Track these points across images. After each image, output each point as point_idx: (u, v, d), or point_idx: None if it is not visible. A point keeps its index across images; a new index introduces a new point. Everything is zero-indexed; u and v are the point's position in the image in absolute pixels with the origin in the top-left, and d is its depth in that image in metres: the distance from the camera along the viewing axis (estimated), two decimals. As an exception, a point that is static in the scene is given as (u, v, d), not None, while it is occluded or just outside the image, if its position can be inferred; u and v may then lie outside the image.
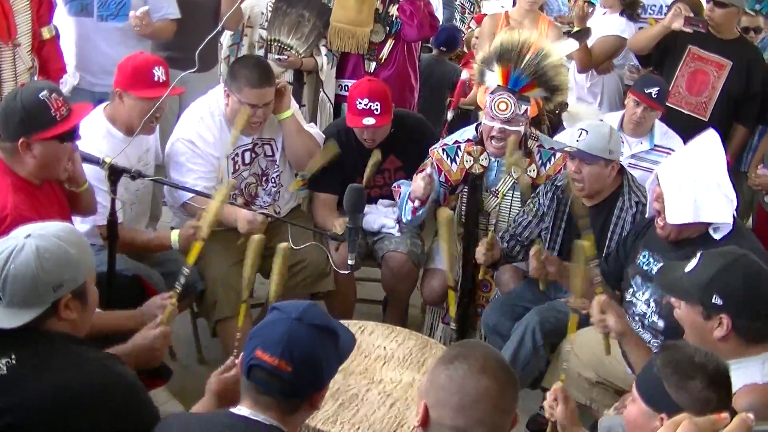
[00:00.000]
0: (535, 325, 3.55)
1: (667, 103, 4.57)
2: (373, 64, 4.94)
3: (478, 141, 4.00)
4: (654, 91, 4.31)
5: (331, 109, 5.03)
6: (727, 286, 2.46)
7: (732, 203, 3.13)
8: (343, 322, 3.28)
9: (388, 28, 4.92)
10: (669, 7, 4.99)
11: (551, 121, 5.02)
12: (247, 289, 2.77)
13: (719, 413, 1.22)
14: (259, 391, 1.98)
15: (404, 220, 4.02)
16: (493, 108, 3.81)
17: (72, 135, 3.00)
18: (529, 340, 3.55)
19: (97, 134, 3.52)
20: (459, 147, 4.04)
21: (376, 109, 4.03)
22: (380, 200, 4.31)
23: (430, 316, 4.34)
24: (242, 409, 2.00)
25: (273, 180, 4.14)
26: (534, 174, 3.98)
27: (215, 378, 2.47)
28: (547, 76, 3.84)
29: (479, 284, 4.09)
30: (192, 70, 3.49)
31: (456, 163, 4.02)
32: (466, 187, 4.03)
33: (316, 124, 4.72)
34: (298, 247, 3.84)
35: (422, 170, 3.91)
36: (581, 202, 3.56)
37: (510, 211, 4.01)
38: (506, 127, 3.82)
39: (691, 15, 4.75)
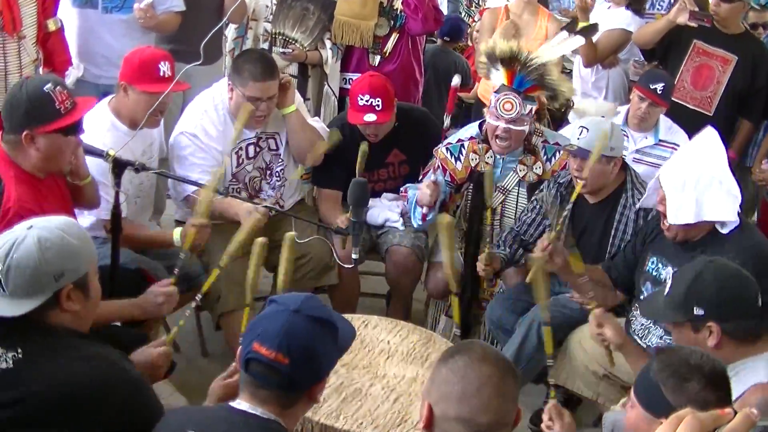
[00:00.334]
0: (540, 319, 3.55)
1: (672, 98, 4.56)
2: (378, 58, 4.93)
3: (483, 139, 4.00)
4: (659, 87, 4.30)
5: (336, 103, 5.02)
6: (702, 296, 2.49)
7: (736, 199, 3.12)
8: (347, 316, 3.29)
9: (392, 22, 4.90)
10: (674, 2, 4.98)
11: (554, 116, 5.02)
12: (252, 291, 2.76)
13: (722, 409, 1.21)
14: (257, 385, 1.97)
15: (415, 226, 4.03)
16: (498, 108, 3.81)
17: (76, 128, 2.99)
18: (534, 334, 3.55)
19: (101, 127, 3.52)
20: (463, 145, 4.04)
21: (378, 106, 4.03)
22: (384, 194, 4.30)
23: (434, 310, 4.35)
24: (241, 403, 2.00)
25: (277, 174, 4.13)
26: (540, 171, 3.98)
27: (218, 383, 2.45)
28: (552, 85, 3.89)
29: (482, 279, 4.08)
30: (196, 63, 3.50)
31: (461, 161, 4.02)
32: (471, 185, 4.02)
33: (320, 117, 4.73)
34: (302, 241, 3.83)
35: (428, 171, 3.91)
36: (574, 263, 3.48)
37: (516, 207, 4.02)
38: (511, 126, 3.83)
39: (696, 9, 4.74)
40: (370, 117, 4.04)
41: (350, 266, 3.84)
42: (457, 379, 1.80)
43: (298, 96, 4.16)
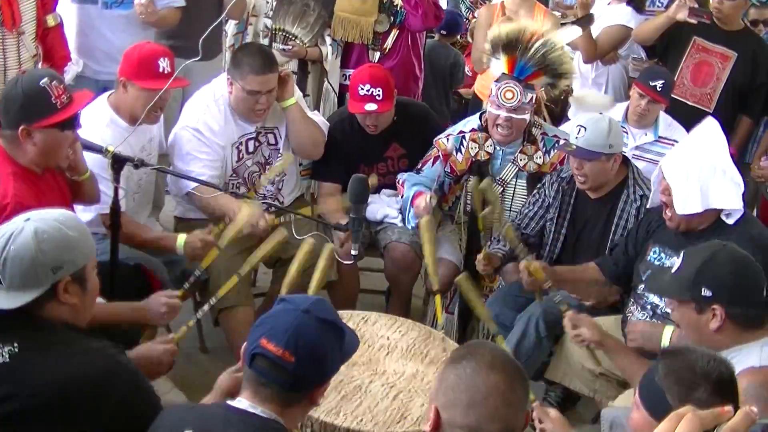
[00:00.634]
0: (539, 315, 3.55)
1: (671, 95, 4.55)
2: (378, 54, 4.92)
3: (482, 128, 4.02)
4: (659, 84, 4.30)
5: (335, 99, 5.02)
6: (714, 278, 2.49)
7: (739, 187, 3.13)
8: (347, 312, 3.30)
9: (392, 18, 4.89)
10: (673, -2, 4.98)
11: (554, 113, 5.02)
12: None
13: (722, 406, 1.21)
14: (260, 382, 1.97)
15: (408, 227, 4.02)
16: (499, 96, 3.83)
17: (73, 123, 2.99)
18: (532, 331, 3.55)
19: (100, 122, 3.52)
20: (464, 136, 4.05)
21: (378, 95, 4.03)
22: (383, 190, 4.30)
23: (433, 306, 4.33)
24: (241, 401, 1.99)
25: (276, 168, 4.13)
26: (540, 161, 4.00)
27: (228, 375, 2.42)
28: (554, 65, 3.88)
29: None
30: (196, 59, 3.49)
31: (461, 153, 4.03)
32: (471, 176, 4.02)
33: (320, 113, 4.72)
34: (301, 237, 3.83)
35: (427, 161, 3.90)
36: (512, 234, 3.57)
37: (513, 199, 4.03)
38: (512, 115, 3.86)
39: (696, 6, 4.73)
40: (371, 106, 4.04)
41: (349, 262, 3.83)
42: (465, 387, 1.78)
43: (297, 91, 4.15)
